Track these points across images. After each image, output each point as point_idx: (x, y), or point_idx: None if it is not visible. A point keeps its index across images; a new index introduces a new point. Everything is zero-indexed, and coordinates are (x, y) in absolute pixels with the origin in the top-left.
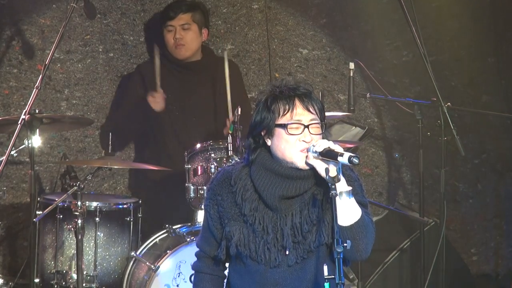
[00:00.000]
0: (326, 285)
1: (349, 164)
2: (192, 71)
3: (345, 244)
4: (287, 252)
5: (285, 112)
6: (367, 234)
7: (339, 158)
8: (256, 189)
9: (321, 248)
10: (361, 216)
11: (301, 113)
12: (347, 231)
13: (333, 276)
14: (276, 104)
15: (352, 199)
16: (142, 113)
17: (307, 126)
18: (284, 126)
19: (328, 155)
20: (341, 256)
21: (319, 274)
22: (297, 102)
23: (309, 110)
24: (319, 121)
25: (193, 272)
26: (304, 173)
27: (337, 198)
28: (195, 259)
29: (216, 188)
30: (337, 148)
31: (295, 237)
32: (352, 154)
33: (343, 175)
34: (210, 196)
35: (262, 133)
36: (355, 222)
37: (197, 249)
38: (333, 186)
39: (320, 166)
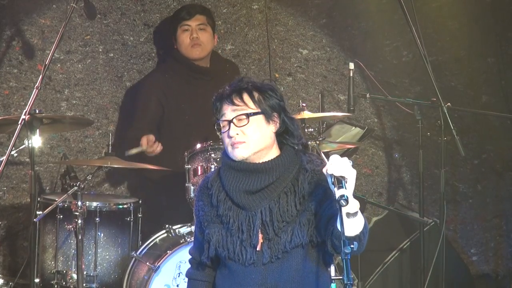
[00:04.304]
0: (333, 285)
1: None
2: (205, 76)
3: (352, 246)
4: (257, 248)
5: (216, 112)
6: (366, 233)
7: (335, 190)
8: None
9: (298, 250)
10: (364, 223)
11: (225, 108)
12: (352, 238)
13: (340, 277)
14: (213, 106)
15: (359, 214)
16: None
17: (231, 121)
18: (216, 126)
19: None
20: (349, 258)
21: (297, 274)
22: (224, 99)
23: (233, 103)
24: (244, 112)
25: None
26: (262, 166)
27: (345, 218)
28: None
29: (199, 195)
30: (343, 177)
31: (267, 233)
32: (343, 195)
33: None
34: (195, 203)
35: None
36: (360, 231)
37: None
38: (338, 193)
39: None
